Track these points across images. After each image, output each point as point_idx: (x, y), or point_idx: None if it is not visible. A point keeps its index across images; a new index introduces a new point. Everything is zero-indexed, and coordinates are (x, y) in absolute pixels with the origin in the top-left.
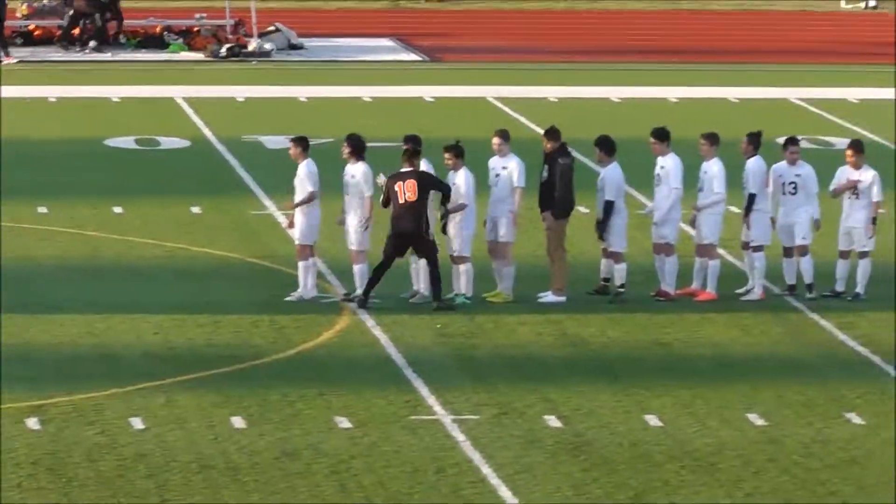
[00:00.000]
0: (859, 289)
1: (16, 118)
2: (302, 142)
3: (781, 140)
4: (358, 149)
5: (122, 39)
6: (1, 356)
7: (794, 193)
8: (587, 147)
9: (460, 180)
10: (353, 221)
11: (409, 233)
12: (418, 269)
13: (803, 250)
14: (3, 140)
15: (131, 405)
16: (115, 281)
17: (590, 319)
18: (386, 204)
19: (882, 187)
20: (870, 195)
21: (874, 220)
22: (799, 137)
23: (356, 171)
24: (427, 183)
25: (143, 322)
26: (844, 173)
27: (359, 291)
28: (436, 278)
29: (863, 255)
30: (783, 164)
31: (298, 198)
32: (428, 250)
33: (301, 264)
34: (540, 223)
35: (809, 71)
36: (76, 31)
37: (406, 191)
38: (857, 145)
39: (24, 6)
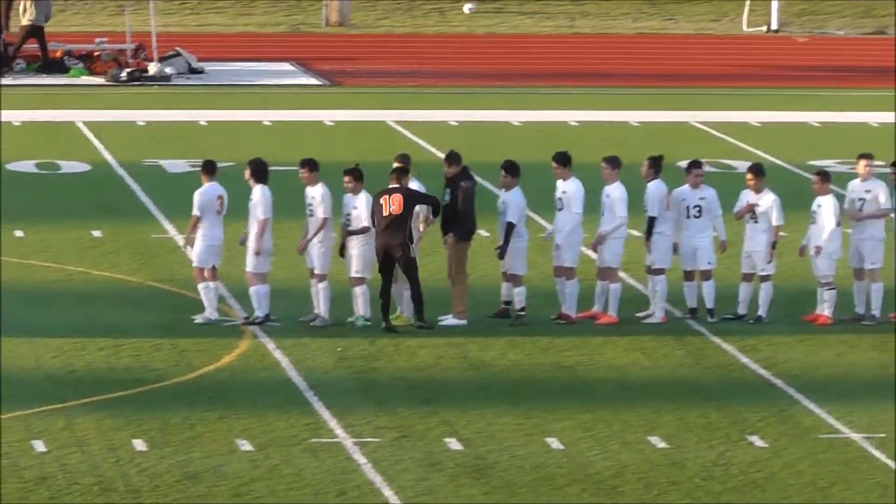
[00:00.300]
0: (761, 312)
1: None
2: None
3: (684, 164)
4: (259, 173)
5: (22, 64)
6: None
7: (698, 217)
8: (488, 171)
9: (360, 203)
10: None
11: (392, 245)
12: (318, 292)
13: (707, 275)
14: None
15: (32, 428)
16: (15, 304)
17: (491, 342)
18: (373, 221)
19: (783, 211)
20: (769, 219)
21: (774, 245)
22: (702, 161)
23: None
24: (413, 198)
25: (43, 345)
26: (745, 196)
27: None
28: (418, 296)
29: (764, 278)
30: (686, 187)
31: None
32: (408, 267)
33: (200, 286)
34: (441, 246)
35: (710, 94)
36: None
37: (391, 204)
38: (757, 169)
39: None
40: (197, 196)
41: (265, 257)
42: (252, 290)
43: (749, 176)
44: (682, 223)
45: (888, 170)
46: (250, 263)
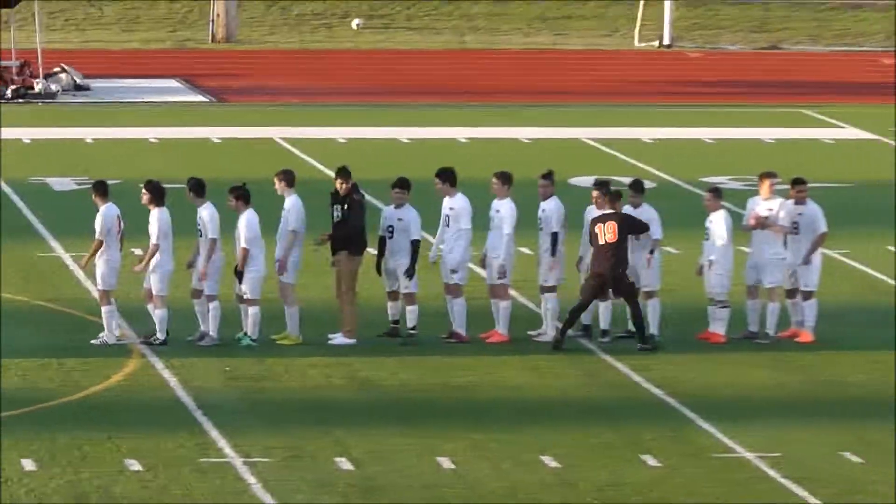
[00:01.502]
0: (652, 329)
1: None
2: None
3: (576, 181)
4: (158, 194)
5: None
6: None
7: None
8: (377, 187)
9: (242, 223)
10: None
11: (608, 274)
12: (204, 312)
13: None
14: None
15: None
16: None
17: (381, 362)
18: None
19: (661, 226)
20: (649, 234)
21: (652, 251)
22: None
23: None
24: (627, 225)
25: None
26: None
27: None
28: (638, 317)
29: (648, 294)
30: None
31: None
32: (627, 290)
33: (104, 309)
34: (327, 265)
35: (602, 111)
36: None
37: (606, 232)
38: (637, 185)
39: None
40: (101, 219)
41: (166, 279)
42: (155, 312)
43: (630, 193)
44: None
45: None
46: (154, 285)
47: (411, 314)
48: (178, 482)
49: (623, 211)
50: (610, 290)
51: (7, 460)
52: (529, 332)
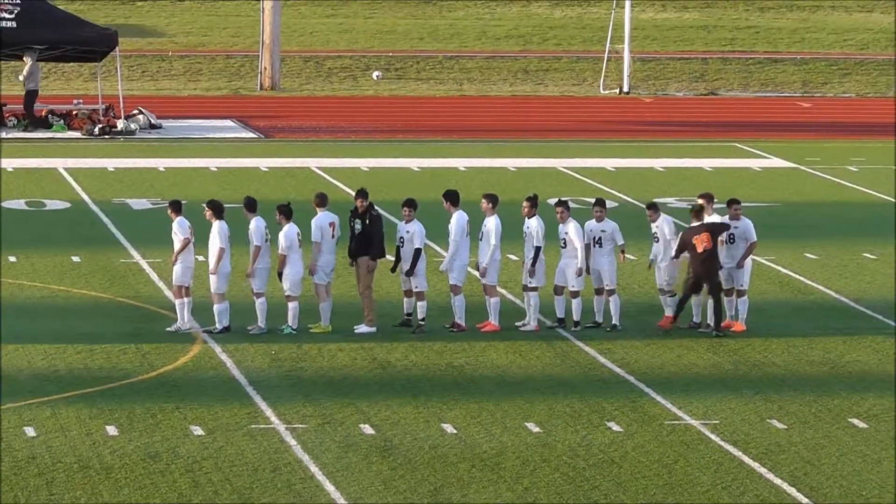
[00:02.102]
0: (615, 321)
1: None
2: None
3: (553, 201)
4: (218, 210)
5: (14, 121)
6: None
7: (601, 245)
8: (392, 206)
9: (281, 234)
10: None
11: (707, 274)
12: (262, 309)
13: (611, 292)
14: None
15: (23, 417)
16: (9, 317)
17: (395, 346)
18: (679, 253)
19: (622, 236)
20: (613, 242)
21: (623, 255)
22: (605, 200)
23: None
24: (715, 231)
25: (32, 350)
26: (590, 226)
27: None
28: (719, 310)
29: (610, 292)
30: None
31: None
32: (716, 290)
33: (177, 302)
34: (349, 269)
35: (574, 145)
36: None
37: (702, 241)
38: (601, 202)
39: None
40: (185, 228)
41: (224, 279)
42: (214, 307)
43: (596, 208)
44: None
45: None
46: (213, 285)
47: (420, 309)
48: (233, 444)
49: (712, 221)
50: (705, 286)
51: (94, 426)
52: (517, 323)
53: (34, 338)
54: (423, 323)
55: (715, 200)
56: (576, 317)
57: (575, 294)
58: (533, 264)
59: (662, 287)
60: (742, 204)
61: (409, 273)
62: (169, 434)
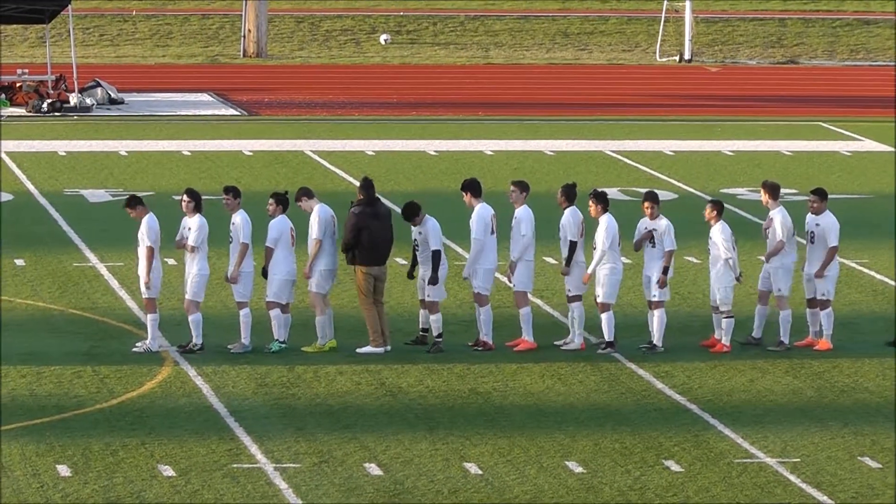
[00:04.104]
0: (655, 340)
1: None
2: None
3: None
4: (198, 201)
5: None
6: None
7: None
8: (404, 199)
9: (271, 225)
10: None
11: None
12: (246, 322)
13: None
14: None
15: None
16: None
17: (408, 369)
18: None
19: (674, 237)
20: (663, 245)
21: (665, 270)
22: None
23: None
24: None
25: None
26: (643, 224)
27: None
28: None
29: (656, 304)
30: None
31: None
32: None
33: (150, 317)
34: (353, 275)
35: (624, 124)
36: None
37: None
38: (652, 196)
39: None
40: (154, 229)
41: (204, 285)
42: (190, 317)
43: (646, 204)
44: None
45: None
46: (190, 291)
47: (434, 323)
48: (210, 487)
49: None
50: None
51: (43, 465)
52: (556, 342)
53: None
54: (440, 340)
55: (781, 191)
56: (607, 336)
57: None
58: (567, 263)
59: (718, 307)
60: (828, 196)
61: (433, 281)
62: (133, 475)
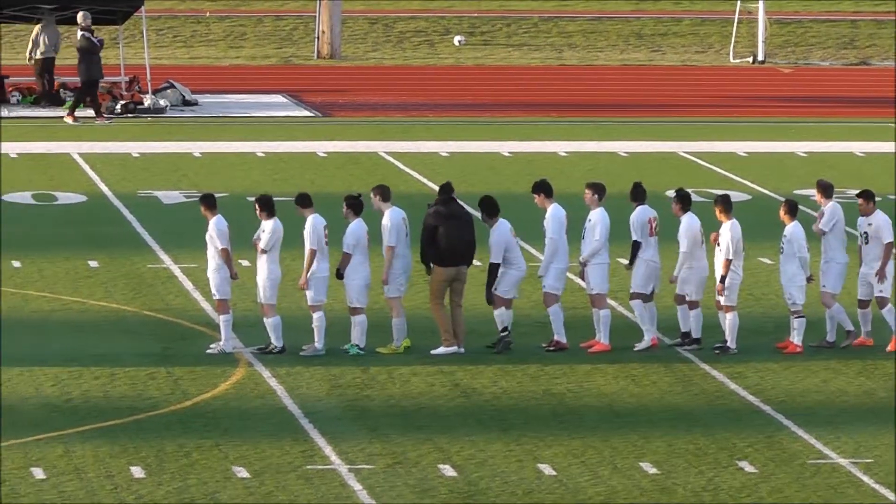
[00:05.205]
0: (729, 342)
1: None
2: (208, 199)
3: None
4: (269, 207)
5: (18, 97)
6: None
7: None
8: (475, 199)
9: (348, 230)
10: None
11: None
12: (319, 326)
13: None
14: None
15: (30, 456)
16: (12, 334)
17: (481, 370)
18: None
19: (735, 239)
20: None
21: (723, 279)
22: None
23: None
24: None
25: (40, 374)
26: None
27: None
28: None
29: (727, 308)
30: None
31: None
32: None
33: (222, 318)
34: (426, 276)
35: (698, 125)
36: None
37: None
38: (725, 200)
39: None
40: (222, 230)
41: (276, 288)
42: (268, 321)
43: (718, 209)
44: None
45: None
46: (263, 294)
47: (500, 317)
48: (284, 489)
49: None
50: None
51: (116, 467)
52: (637, 347)
53: (42, 360)
54: (504, 334)
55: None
56: (695, 333)
57: (693, 305)
58: (630, 263)
59: (789, 306)
60: (875, 196)
61: (488, 298)
62: (207, 477)
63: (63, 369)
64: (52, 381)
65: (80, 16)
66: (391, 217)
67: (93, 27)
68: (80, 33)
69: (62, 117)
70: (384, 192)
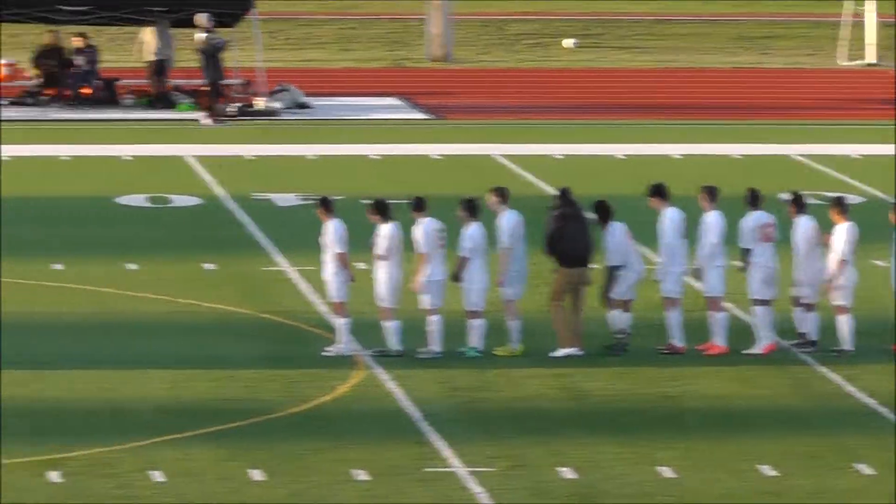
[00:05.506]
0: (845, 345)
1: (29, 176)
2: (325, 202)
3: (787, 196)
4: (383, 210)
5: (132, 99)
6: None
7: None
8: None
9: (464, 234)
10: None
11: None
12: (435, 329)
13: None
14: (15, 198)
15: (147, 459)
16: (127, 337)
17: (597, 373)
18: None
19: (849, 241)
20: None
21: (833, 278)
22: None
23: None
24: None
25: (154, 377)
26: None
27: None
28: None
29: (842, 310)
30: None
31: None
32: None
33: (340, 321)
34: (548, 277)
35: (809, 127)
36: (87, 91)
37: None
38: (841, 203)
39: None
40: (339, 234)
41: (395, 292)
42: (386, 324)
43: (833, 211)
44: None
45: None
46: (384, 298)
47: (617, 320)
48: (402, 491)
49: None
50: None
51: (233, 469)
52: (747, 351)
53: (157, 362)
54: (621, 336)
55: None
56: (812, 335)
57: (809, 307)
58: (743, 269)
59: None
60: None
61: (604, 301)
62: (324, 479)
63: (177, 372)
64: (167, 385)
65: (202, 18)
66: (508, 219)
67: (215, 29)
68: (202, 35)
69: (176, 120)
70: (502, 194)
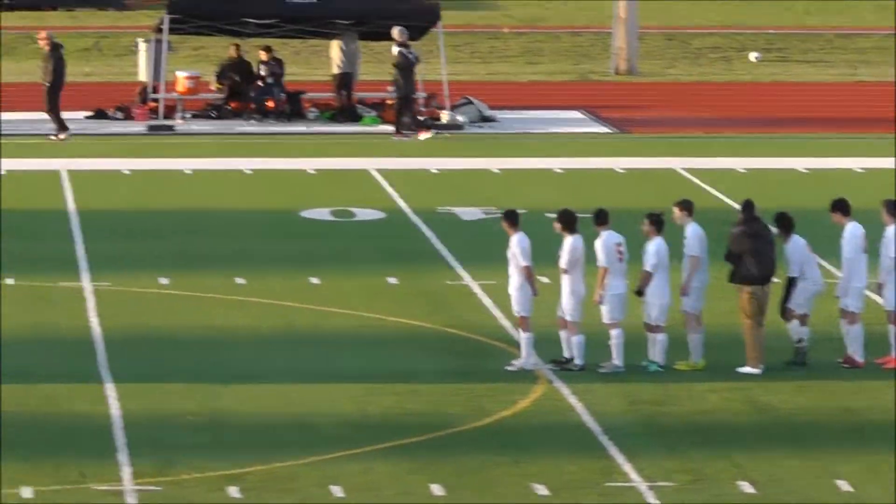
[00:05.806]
0: None
1: (211, 190)
2: (510, 216)
3: None
4: (570, 222)
5: (315, 112)
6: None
7: None
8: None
9: (649, 249)
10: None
11: None
12: (617, 343)
13: None
14: (198, 211)
15: (328, 473)
16: (310, 350)
17: (778, 387)
18: None
19: None
20: None
21: None
22: None
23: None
24: None
25: (337, 390)
26: None
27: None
28: None
29: None
30: None
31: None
32: None
33: (524, 336)
34: (731, 292)
35: None
36: (271, 104)
37: None
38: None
39: (217, 82)
40: (524, 247)
41: (580, 305)
42: (574, 338)
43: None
44: None
45: None
46: (568, 312)
47: (794, 330)
48: None
49: None
50: None
51: (414, 484)
52: None
53: (340, 376)
54: (800, 345)
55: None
56: None
57: None
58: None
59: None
60: None
61: (783, 314)
62: (506, 494)
63: (361, 386)
64: (349, 399)
65: (396, 31)
66: (693, 231)
67: (409, 42)
68: (396, 49)
69: (360, 134)
70: (688, 207)
